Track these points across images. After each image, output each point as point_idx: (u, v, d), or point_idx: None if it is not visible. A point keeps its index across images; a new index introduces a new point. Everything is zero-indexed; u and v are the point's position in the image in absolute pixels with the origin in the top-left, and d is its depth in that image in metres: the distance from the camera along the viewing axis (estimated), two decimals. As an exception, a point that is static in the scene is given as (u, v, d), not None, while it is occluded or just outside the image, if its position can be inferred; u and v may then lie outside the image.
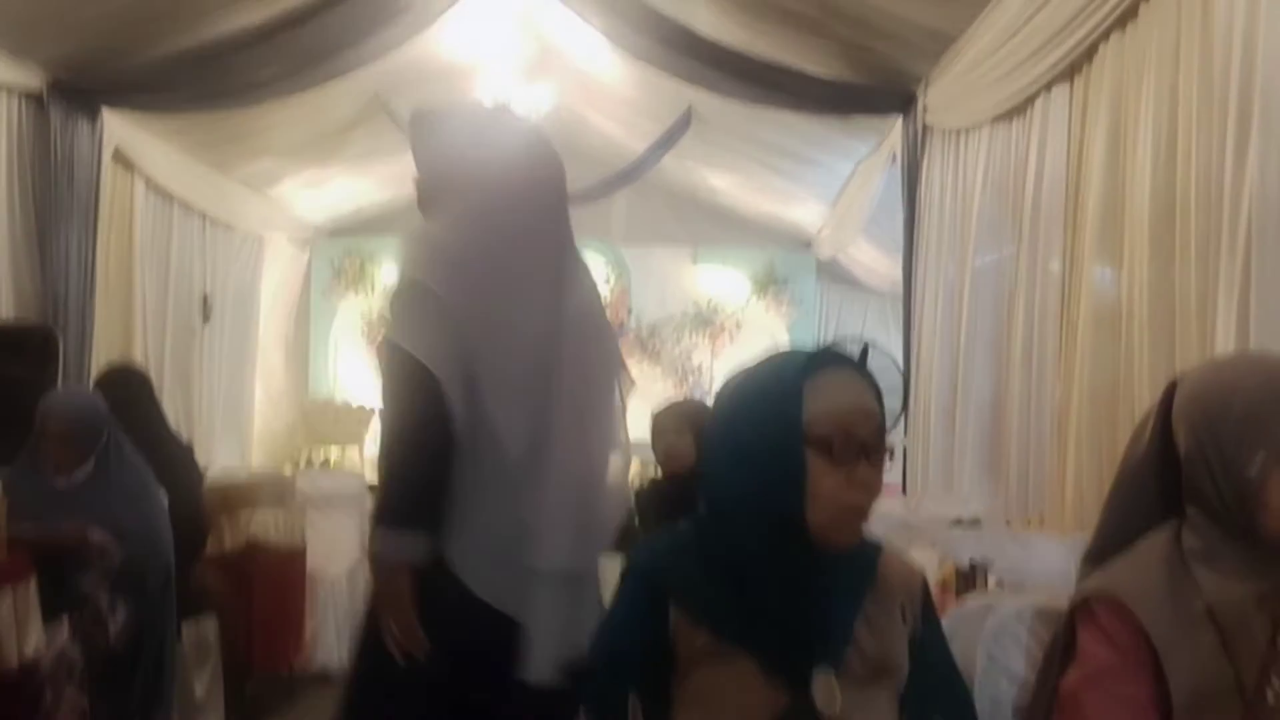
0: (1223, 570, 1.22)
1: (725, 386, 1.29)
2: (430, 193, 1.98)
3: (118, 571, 2.70)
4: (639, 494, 2.73)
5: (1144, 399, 3.35)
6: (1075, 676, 1.23)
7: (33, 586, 2.45)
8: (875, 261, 8.92)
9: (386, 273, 10.57)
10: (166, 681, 2.85)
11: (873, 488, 1.21)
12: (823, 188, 8.50)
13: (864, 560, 1.24)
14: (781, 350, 1.30)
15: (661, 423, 2.80)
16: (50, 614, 2.53)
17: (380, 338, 1.66)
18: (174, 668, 2.95)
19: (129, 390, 3.32)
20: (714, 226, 10.55)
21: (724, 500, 1.21)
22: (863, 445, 1.20)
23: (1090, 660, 1.22)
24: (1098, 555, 1.36)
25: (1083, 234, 3.98)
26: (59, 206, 6.03)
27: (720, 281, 10.47)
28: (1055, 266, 4.26)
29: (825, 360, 1.23)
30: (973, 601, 1.57)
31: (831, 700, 1.12)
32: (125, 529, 2.74)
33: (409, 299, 1.83)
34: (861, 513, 1.21)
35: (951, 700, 1.27)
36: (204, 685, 3.31)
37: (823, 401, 1.19)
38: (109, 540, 2.69)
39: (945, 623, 1.48)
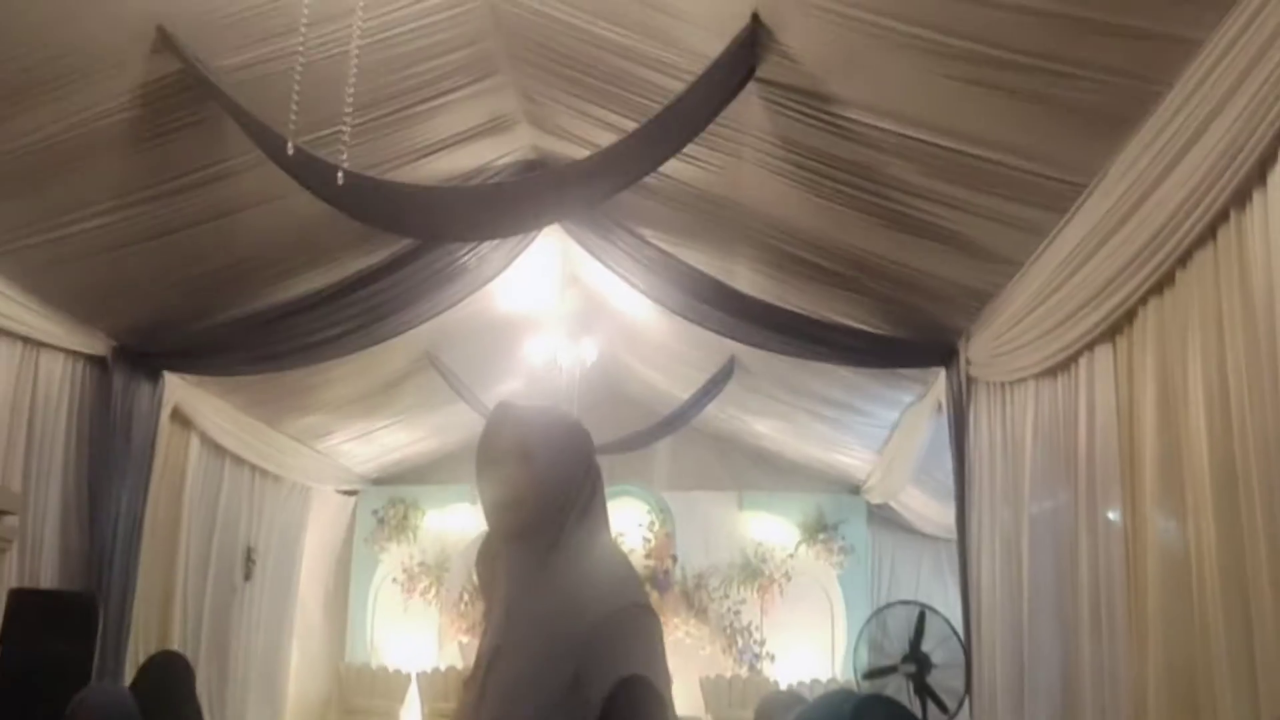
0: None
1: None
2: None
3: None
4: None
5: (1222, 667, 3.12)
6: None
7: None
8: (926, 507, 8.75)
9: (429, 520, 10.56)
10: None
11: None
12: (869, 435, 8.48)
13: None
14: (821, 705, 1.25)
15: (768, 712, 2.67)
16: None
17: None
18: None
19: (170, 680, 3.24)
20: (760, 472, 10.49)
21: None
22: None
23: None
24: None
25: (1142, 489, 3.85)
26: (114, 465, 6.13)
27: (768, 528, 10.26)
28: (1115, 518, 4.11)
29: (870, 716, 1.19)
30: None
31: None
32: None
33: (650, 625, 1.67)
34: None
35: None
36: None
37: None
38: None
39: None
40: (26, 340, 5.66)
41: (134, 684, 3.22)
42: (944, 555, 9.19)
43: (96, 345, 6.15)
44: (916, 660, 5.99)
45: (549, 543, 1.60)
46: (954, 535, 6.21)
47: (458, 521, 10.49)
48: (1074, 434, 4.48)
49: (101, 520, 6.00)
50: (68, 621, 4.72)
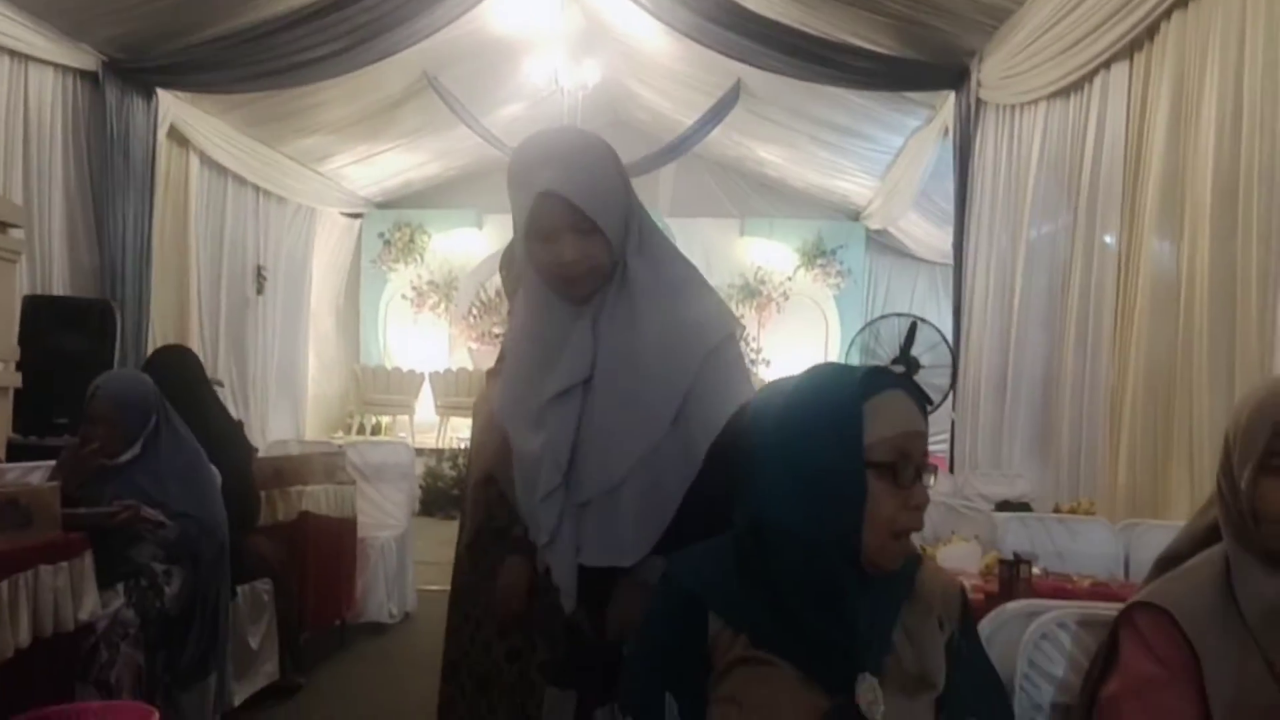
0: (1256, 584, 1.21)
1: (768, 403, 1.25)
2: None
3: (172, 544, 2.81)
4: None
5: (1202, 383, 3.28)
6: (1116, 685, 1.22)
7: (88, 559, 2.55)
8: (926, 233, 8.81)
9: (434, 242, 10.68)
10: (221, 640, 3.00)
11: (924, 508, 1.20)
12: (872, 161, 8.39)
13: (903, 572, 1.23)
14: (826, 368, 1.26)
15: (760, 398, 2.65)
16: (107, 582, 2.63)
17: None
18: (228, 628, 3.08)
19: (180, 371, 3.37)
20: (762, 199, 10.49)
21: (774, 519, 1.18)
22: (917, 467, 1.19)
23: (1132, 670, 1.22)
24: (1170, 560, 1.35)
25: (1142, 211, 3.88)
26: (115, 182, 6.15)
27: (768, 253, 10.41)
28: (1112, 242, 4.17)
29: (883, 382, 1.20)
30: (1014, 605, 1.55)
31: (875, 704, 1.12)
32: (178, 506, 2.84)
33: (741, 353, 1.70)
34: (912, 532, 1.21)
35: (989, 705, 1.25)
36: (258, 639, 3.51)
37: (882, 425, 1.17)
38: (161, 517, 2.79)
39: (987, 624, 1.47)
40: (14, 54, 5.53)
41: (145, 371, 3.38)
42: (939, 279, 9.37)
43: (86, 60, 5.99)
44: (905, 362, 6.26)
45: (618, 279, 1.52)
46: (950, 260, 6.31)
47: (462, 243, 10.61)
48: (1080, 157, 4.45)
49: (110, 235, 6.09)
50: (85, 324, 4.89)
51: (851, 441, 1.16)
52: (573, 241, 1.50)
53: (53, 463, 3.10)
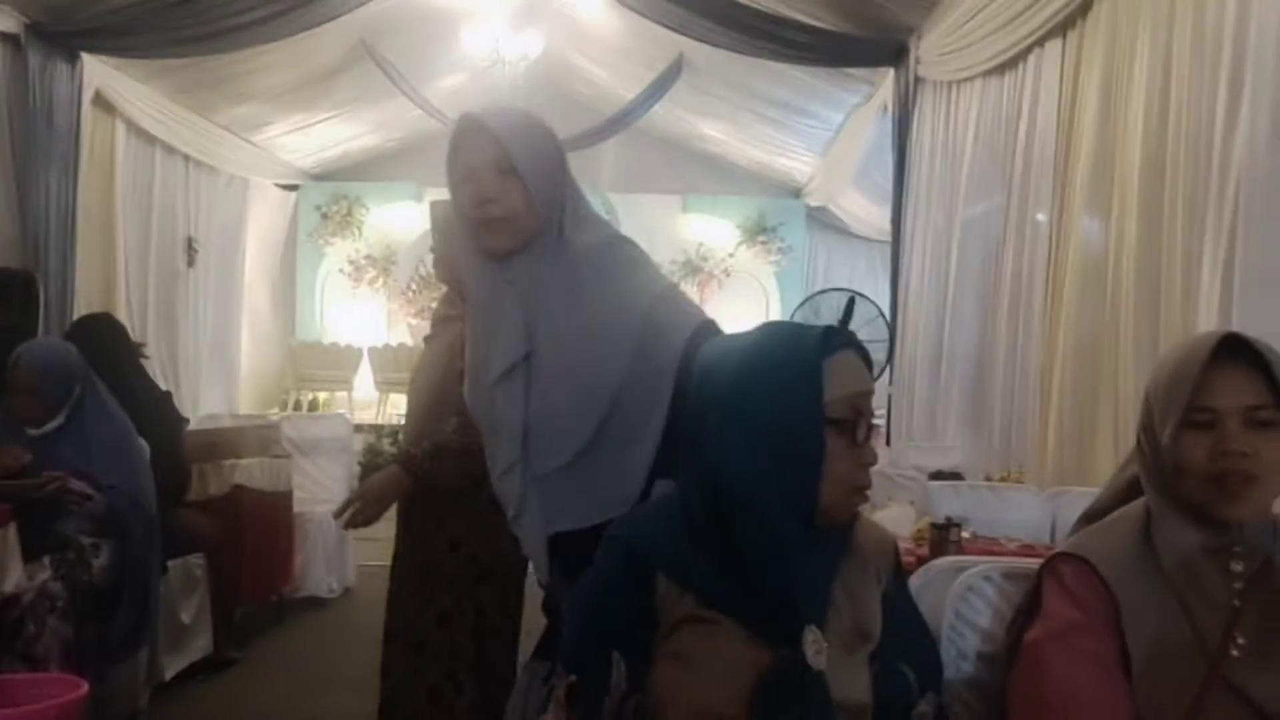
0: (1175, 534, 1.26)
1: (721, 360, 1.24)
2: None
3: (100, 517, 2.75)
4: None
5: (1128, 357, 3.37)
6: (1039, 631, 1.27)
7: (12, 531, 2.49)
8: (864, 210, 8.90)
9: (373, 216, 10.52)
10: (151, 613, 2.95)
11: (873, 466, 1.23)
12: (813, 137, 8.44)
13: (842, 527, 1.25)
14: (782, 326, 1.27)
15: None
16: (34, 555, 2.57)
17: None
18: (158, 601, 3.04)
19: (103, 340, 3.29)
20: (704, 174, 10.50)
21: (729, 477, 1.17)
22: (869, 424, 1.22)
23: (1054, 616, 1.26)
24: (1092, 516, 1.39)
25: (1072, 189, 3.97)
26: (38, 150, 5.93)
27: (709, 229, 10.45)
28: (1044, 220, 4.25)
29: (838, 341, 1.22)
30: (942, 560, 1.59)
31: (820, 654, 1.14)
32: (106, 478, 2.77)
33: None
34: (867, 489, 1.23)
35: (919, 652, 1.29)
36: (191, 613, 3.48)
37: (839, 383, 1.18)
38: (88, 488, 2.73)
39: (916, 580, 1.51)
40: (-73, 12, 5.30)
41: (67, 340, 3.29)
42: (878, 257, 9.47)
43: (7, 22, 5.75)
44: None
45: (552, 249, 1.51)
46: (888, 238, 6.40)
47: (402, 217, 10.46)
48: (1014, 135, 4.53)
49: (32, 205, 5.88)
50: (8, 296, 4.74)
51: (813, 398, 1.17)
52: (491, 180, 1.48)
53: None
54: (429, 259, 9.35)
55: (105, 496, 2.78)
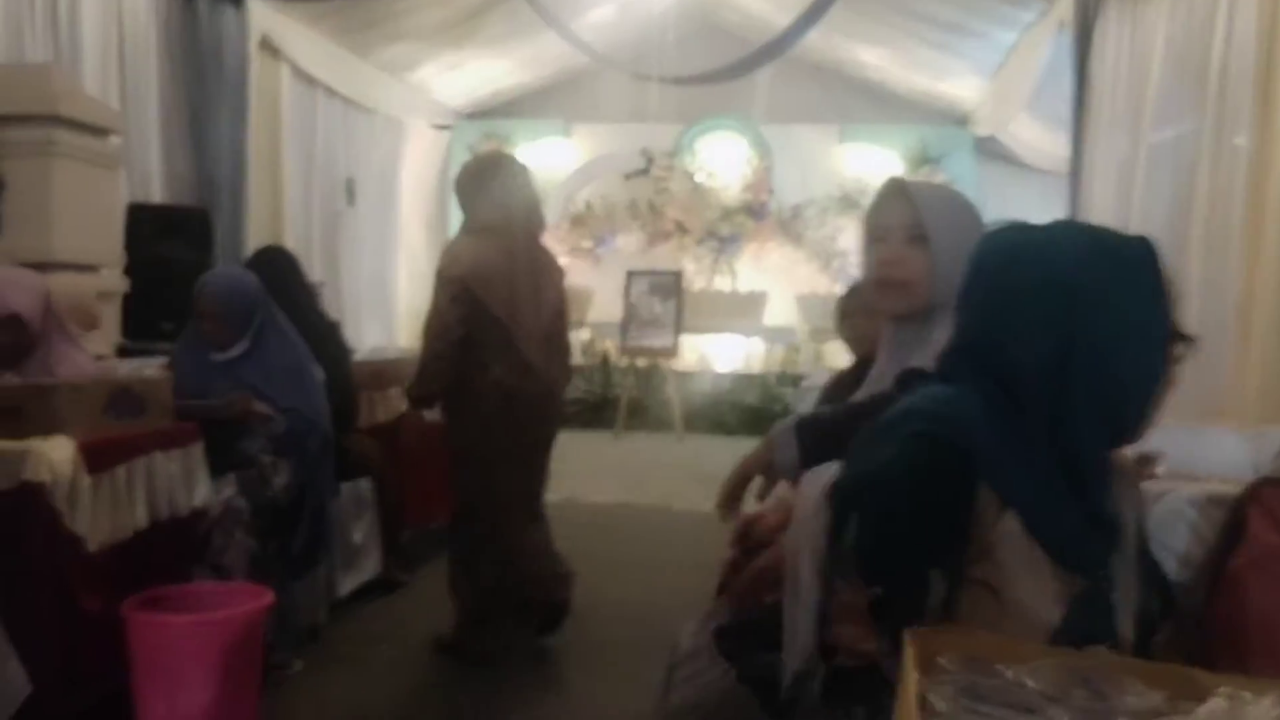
0: None
1: (1060, 249, 1.12)
2: None
3: (280, 438, 2.90)
4: (829, 385, 2.54)
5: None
6: (1242, 559, 1.22)
7: (199, 449, 2.64)
8: (1039, 139, 8.39)
9: (522, 154, 10.62)
10: (327, 530, 3.12)
11: None
12: (982, 60, 7.98)
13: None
14: (1101, 228, 1.18)
15: (848, 306, 2.61)
16: (219, 472, 2.73)
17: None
18: (333, 520, 3.20)
19: (279, 271, 3.42)
20: (862, 104, 10.11)
21: (1090, 379, 1.07)
22: None
23: (1259, 543, 1.22)
24: None
25: (1275, 108, 3.61)
26: (209, 93, 6.21)
27: (868, 161, 10.06)
28: (1243, 144, 3.90)
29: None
30: (1144, 485, 1.50)
31: (1129, 588, 1.09)
32: (285, 401, 2.91)
33: None
34: None
35: (1156, 581, 1.22)
36: (362, 534, 3.65)
37: (1171, 292, 1.12)
38: (270, 411, 2.86)
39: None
40: (105, -38, 5.57)
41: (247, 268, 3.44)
42: (1052, 188, 8.93)
43: (176, -31, 6.02)
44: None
45: (930, 325, 1.51)
46: (1065, 167, 6.02)
47: (550, 154, 10.53)
48: (1208, 49, 4.15)
49: (205, 145, 6.18)
50: (185, 232, 4.99)
51: (1166, 313, 1.11)
52: (899, 244, 1.53)
53: (164, 359, 3.19)
54: (579, 196, 9.44)
55: (285, 418, 2.90)
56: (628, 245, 10.08)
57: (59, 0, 5.25)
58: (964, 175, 9.76)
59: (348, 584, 3.48)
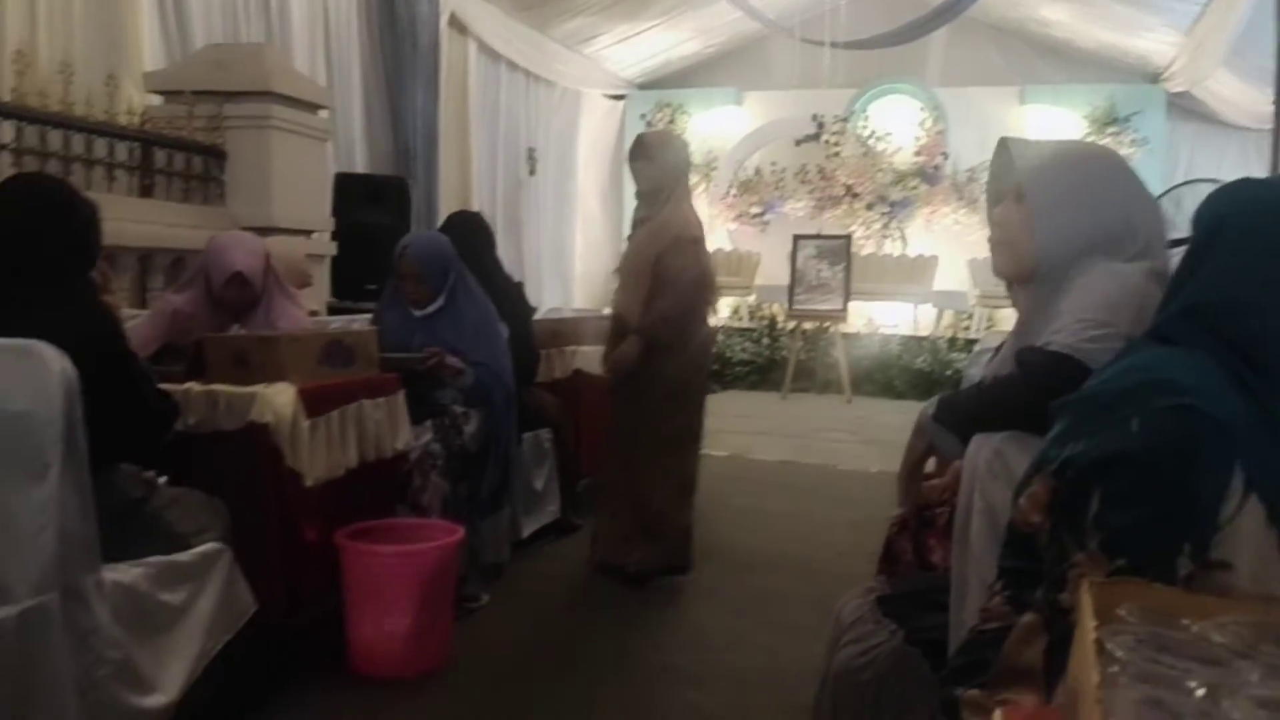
0: None
1: None
2: None
3: (469, 389, 3.14)
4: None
5: None
6: None
7: (401, 397, 2.89)
8: (1239, 94, 7.83)
9: (695, 122, 10.71)
10: (511, 477, 3.36)
11: None
12: (1177, 13, 7.48)
13: None
14: None
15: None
16: (417, 419, 2.98)
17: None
18: (516, 467, 3.45)
19: (469, 234, 3.66)
20: (1045, 64, 9.65)
21: None
22: None
23: None
24: None
25: None
26: (406, 69, 6.61)
27: (1050, 122, 9.61)
28: None
29: None
30: None
31: None
32: (474, 355, 3.14)
33: None
34: None
35: None
36: (542, 481, 3.88)
37: None
38: (461, 365, 3.10)
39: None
40: (313, -52, 6.00)
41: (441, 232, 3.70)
42: (1251, 146, 8.34)
43: (374, -49, 6.41)
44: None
45: (1051, 288, 1.47)
46: (1267, 124, 5.61)
47: (722, 123, 10.57)
48: None
49: (401, 118, 6.59)
50: (385, 200, 5.36)
51: None
52: (1009, 204, 1.54)
53: (369, 316, 3.49)
54: (750, 162, 9.48)
55: (474, 371, 3.14)
56: (795, 211, 10.03)
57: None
58: (1154, 134, 9.20)
59: (529, 526, 3.72)
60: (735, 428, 4.20)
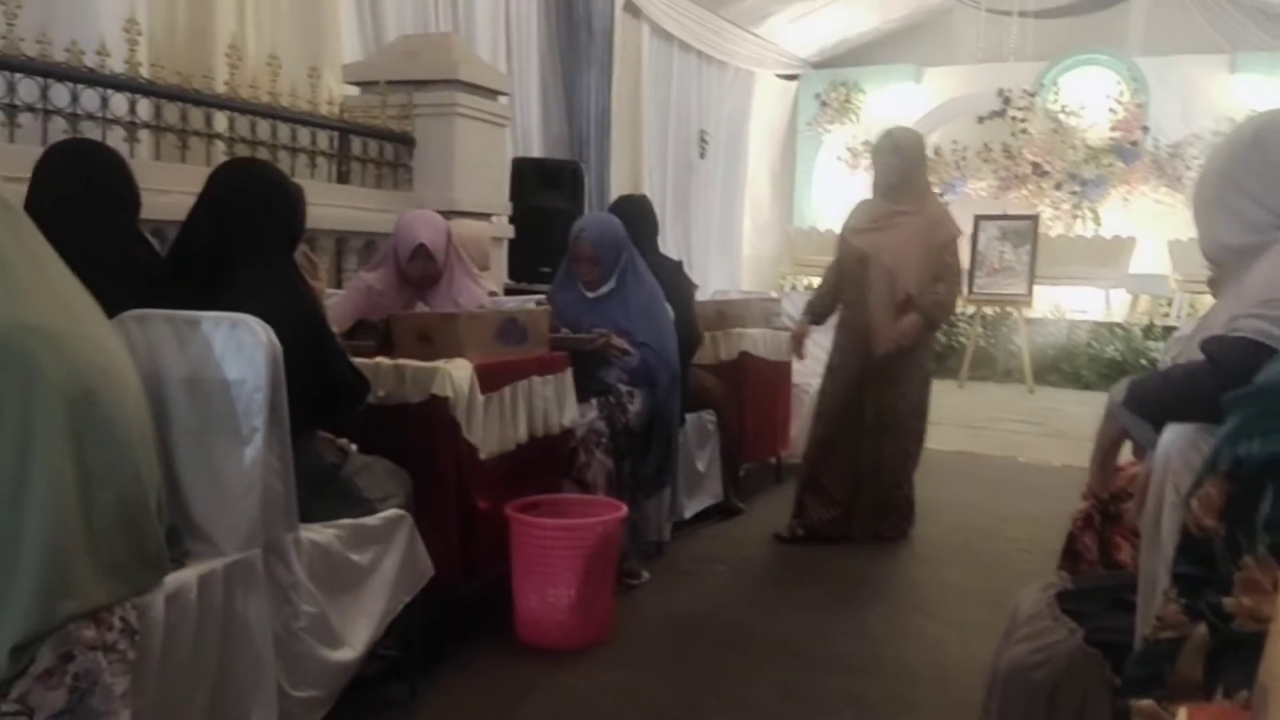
0: None
1: None
2: None
3: (635, 370, 3.20)
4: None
5: None
6: None
7: (569, 375, 2.97)
8: None
9: (870, 101, 10.44)
10: (674, 455, 3.41)
11: None
12: None
13: None
14: None
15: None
16: (583, 397, 3.06)
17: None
18: (679, 447, 3.50)
19: (638, 217, 3.71)
20: (1259, 27, 8.89)
21: None
22: None
23: None
24: None
25: None
26: (580, 56, 6.75)
27: (1266, 93, 8.84)
28: None
29: None
30: None
31: None
32: (640, 336, 3.19)
33: None
34: None
35: None
36: (704, 463, 3.91)
37: None
38: (628, 346, 3.16)
39: None
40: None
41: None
42: None
43: (555, -60, 6.56)
44: None
45: (1236, 268, 1.44)
46: None
47: (900, 101, 10.26)
48: None
49: (575, 104, 6.73)
50: (559, 184, 5.48)
51: None
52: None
53: (542, 297, 3.60)
54: (929, 141, 9.13)
55: (640, 352, 3.19)
56: (978, 190, 9.65)
57: (457, -25, 5.95)
58: (1390, 104, 8.30)
59: (691, 507, 3.75)
60: (910, 416, 4.10)
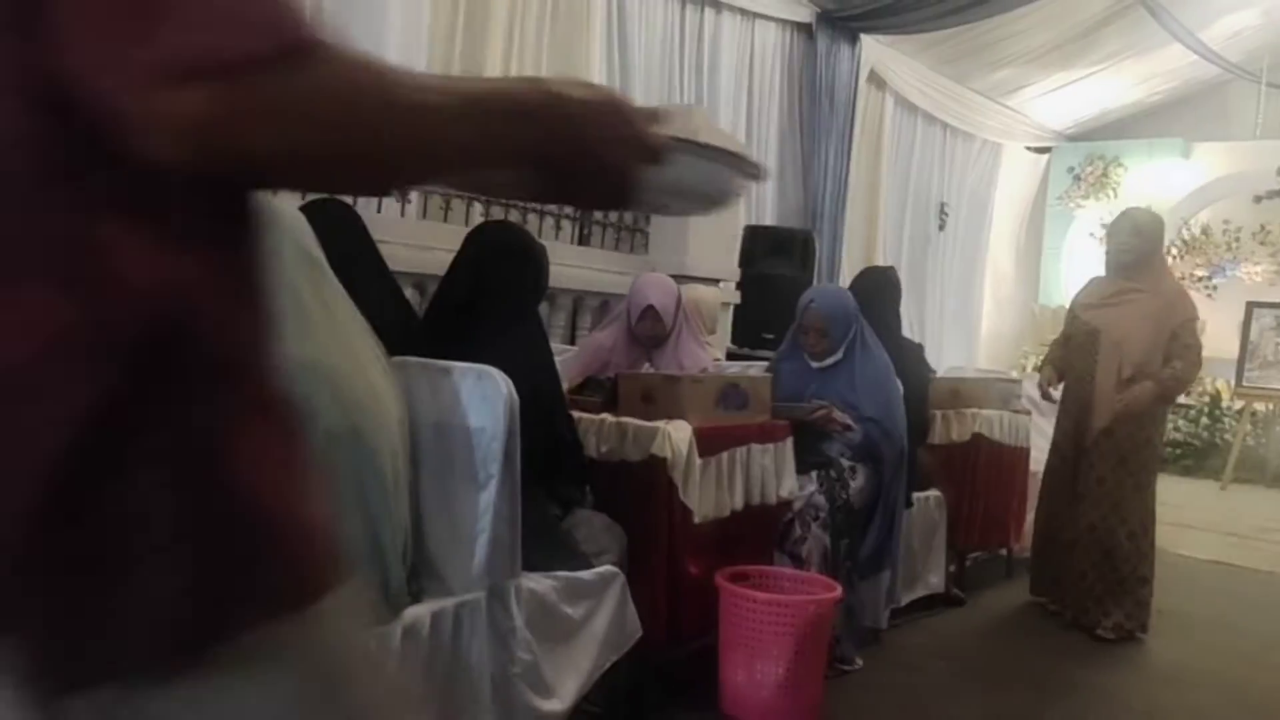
0: None
1: None
2: None
3: (858, 445, 3.10)
4: None
5: None
6: None
7: (789, 445, 2.93)
8: None
9: (1130, 176, 9.82)
10: (895, 539, 3.25)
11: None
12: None
13: None
14: None
15: None
16: (803, 469, 3.00)
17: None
18: (900, 530, 3.32)
19: (881, 289, 3.65)
20: None
21: None
22: None
23: None
24: None
25: None
26: (820, 125, 6.77)
27: None
28: None
29: None
30: None
31: None
32: (866, 410, 3.11)
33: None
34: None
35: None
36: (927, 548, 3.70)
37: None
38: (850, 421, 3.08)
39: None
40: (744, 12, 6.38)
41: (850, 287, 3.73)
42: None
43: (802, 13, 6.66)
44: None
45: None
46: None
47: (1165, 176, 9.59)
48: None
49: (813, 175, 6.74)
50: (790, 252, 5.48)
51: None
52: None
53: (764, 364, 3.60)
54: (1194, 221, 8.62)
55: (864, 427, 3.11)
56: (1251, 275, 8.84)
57: (703, 46, 6.14)
58: None
59: (909, 594, 3.58)
60: (1161, 517, 3.77)
